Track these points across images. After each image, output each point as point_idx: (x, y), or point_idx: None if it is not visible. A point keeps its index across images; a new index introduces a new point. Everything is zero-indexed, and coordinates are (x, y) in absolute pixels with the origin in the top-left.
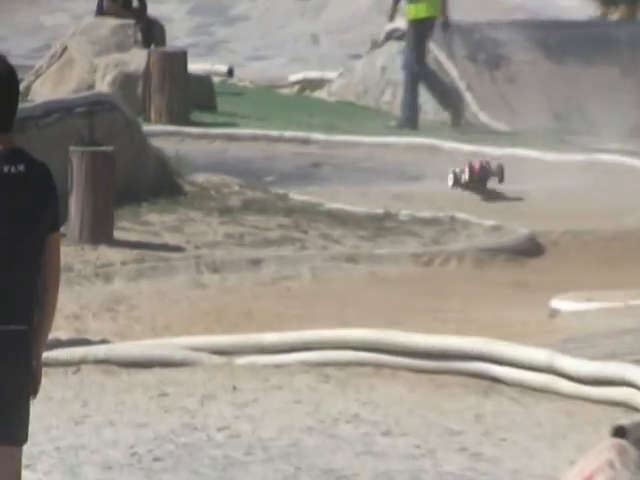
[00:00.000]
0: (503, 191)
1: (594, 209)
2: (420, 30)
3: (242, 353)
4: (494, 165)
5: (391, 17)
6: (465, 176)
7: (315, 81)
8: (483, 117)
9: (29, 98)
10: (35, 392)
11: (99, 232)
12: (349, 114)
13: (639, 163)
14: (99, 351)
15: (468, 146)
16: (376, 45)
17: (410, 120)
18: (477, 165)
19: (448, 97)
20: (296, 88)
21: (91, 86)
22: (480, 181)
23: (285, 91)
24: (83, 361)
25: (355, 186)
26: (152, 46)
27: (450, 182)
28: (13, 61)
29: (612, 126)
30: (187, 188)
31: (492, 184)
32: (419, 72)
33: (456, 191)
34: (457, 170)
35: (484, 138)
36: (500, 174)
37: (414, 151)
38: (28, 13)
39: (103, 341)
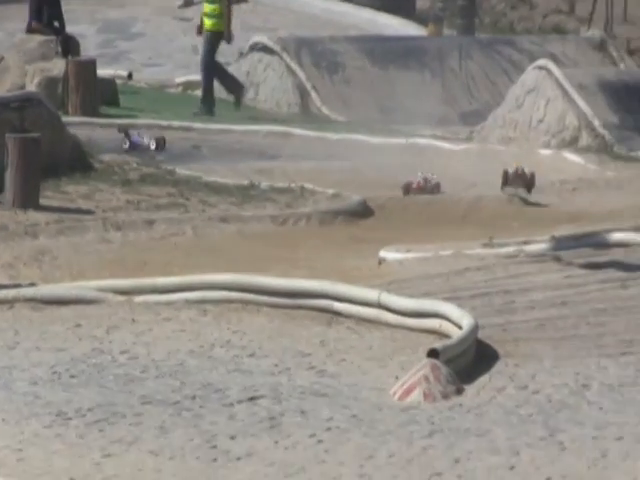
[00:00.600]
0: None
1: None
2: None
3: (139, 293)
4: (528, 173)
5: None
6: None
7: (195, 83)
8: (325, 110)
9: None
10: None
11: (28, 199)
12: (222, 108)
13: (446, 145)
14: (28, 292)
15: (314, 132)
16: (242, 55)
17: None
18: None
19: (234, 85)
20: (180, 88)
21: (22, 87)
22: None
23: (172, 90)
24: (16, 300)
25: (226, 163)
26: (69, 56)
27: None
28: None
29: (424, 117)
30: (97, 165)
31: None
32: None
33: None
34: (509, 171)
35: (326, 127)
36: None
37: (272, 136)
38: None
39: (31, 284)
